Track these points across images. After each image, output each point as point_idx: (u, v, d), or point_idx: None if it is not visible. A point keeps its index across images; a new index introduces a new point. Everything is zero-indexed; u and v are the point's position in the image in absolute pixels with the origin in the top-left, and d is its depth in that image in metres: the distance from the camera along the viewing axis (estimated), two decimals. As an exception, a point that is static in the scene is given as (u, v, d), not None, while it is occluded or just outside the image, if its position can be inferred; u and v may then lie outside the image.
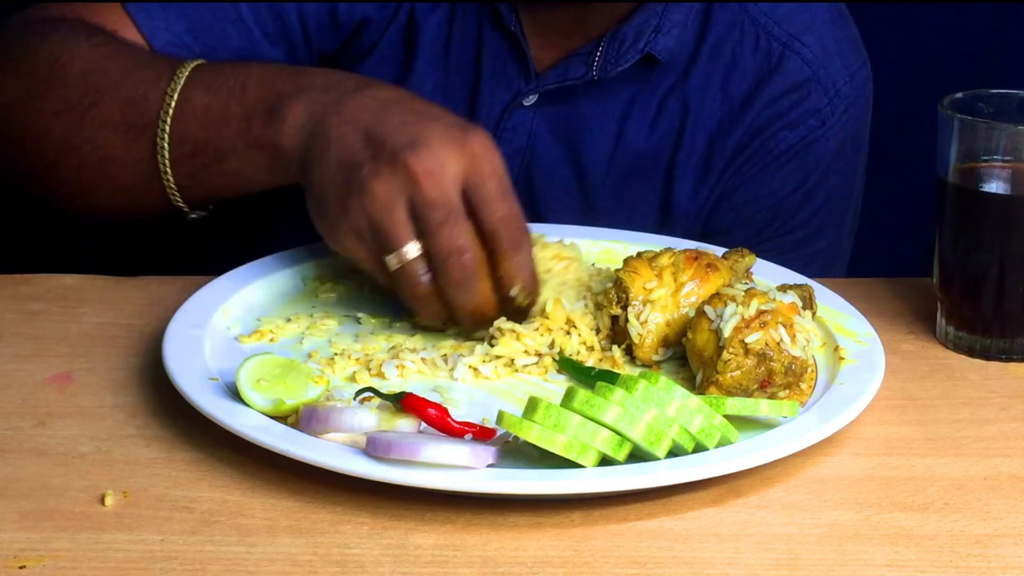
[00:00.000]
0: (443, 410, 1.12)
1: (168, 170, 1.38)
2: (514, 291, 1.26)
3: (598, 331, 1.28)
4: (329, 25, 1.57)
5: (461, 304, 1.25)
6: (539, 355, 1.26)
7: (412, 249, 1.24)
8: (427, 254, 1.24)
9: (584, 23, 1.54)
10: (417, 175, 1.23)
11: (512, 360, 1.25)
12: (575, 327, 1.27)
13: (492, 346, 1.26)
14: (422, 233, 1.24)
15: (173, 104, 1.36)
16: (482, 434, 1.11)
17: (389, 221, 1.24)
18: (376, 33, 1.58)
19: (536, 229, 1.48)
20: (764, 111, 1.59)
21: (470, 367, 1.24)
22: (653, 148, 1.58)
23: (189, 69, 1.38)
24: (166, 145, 1.37)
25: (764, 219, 1.60)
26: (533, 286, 1.27)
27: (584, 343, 1.27)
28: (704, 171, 1.59)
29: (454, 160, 1.24)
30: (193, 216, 1.42)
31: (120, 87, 1.39)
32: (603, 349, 1.27)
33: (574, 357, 1.26)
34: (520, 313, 1.28)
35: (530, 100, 1.57)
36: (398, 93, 1.31)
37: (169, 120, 1.36)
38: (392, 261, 1.25)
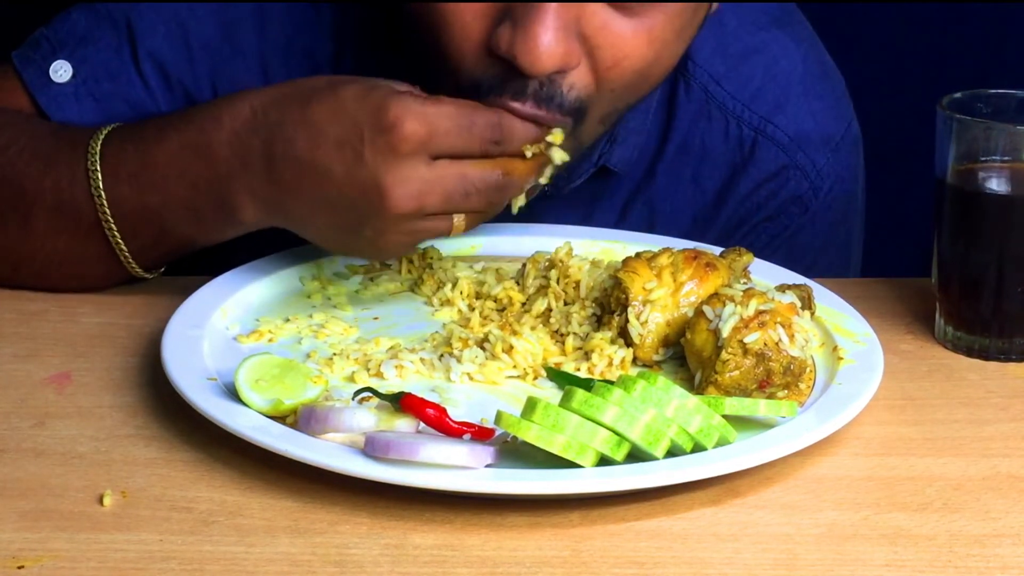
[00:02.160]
0: (441, 410, 1.12)
1: (131, 261, 1.35)
2: (551, 137, 1.28)
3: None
4: None
5: (521, 190, 1.29)
6: (525, 372, 1.25)
7: (458, 218, 1.26)
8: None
9: None
10: (407, 212, 1.23)
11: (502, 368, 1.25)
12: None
13: (484, 349, 1.26)
14: (452, 212, 1.26)
15: (107, 209, 1.33)
16: (480, 434, 1.11)
17: (423, 235, 1.26)
18: None
19: (536, 229, 1.49)
20: (741, 205, 1.52)
21: (465, 373, 1.24)
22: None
23: (97, 156, 1.33)
24: (120, 242, 1.34)
25: None
26: (538, 136, 1.28)
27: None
28: None
29: (411, 164, 1.23)
30: (155, 274, 1.40)
31: (43, 191, 1.34)
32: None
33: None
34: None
35: None
36: (294, 122, 1.26)
37: (113, 223, 1.33)
38: (454, 235, 1.28)
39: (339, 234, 1.28)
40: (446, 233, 1.27)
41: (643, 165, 1.52)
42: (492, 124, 1.25)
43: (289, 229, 1.31)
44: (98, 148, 1.34)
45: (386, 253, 1.33)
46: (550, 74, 1.26)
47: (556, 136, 1.28)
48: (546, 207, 1.51)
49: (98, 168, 1.33)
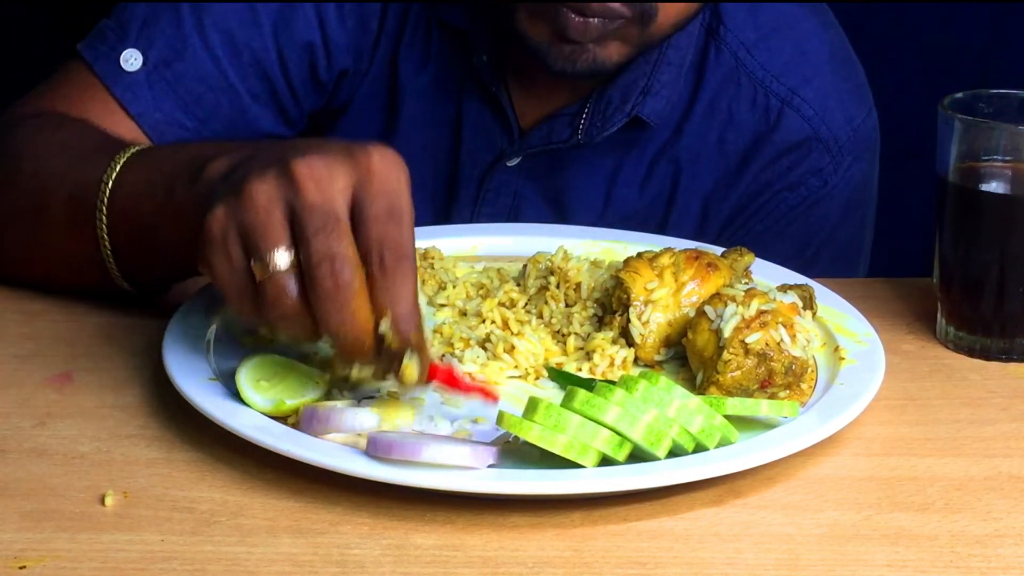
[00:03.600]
0: (450, 369, 1.13)
1: (111, 260, 1.31)
2: (383, 326, 1.08)
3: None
4: (311, 81, 1.55)
5: (333, 325, 1.07)
6: (527, 372, 1.25)
7: (283, 257, 1.08)
8: (300, 264, 1.08)
9: (570, 82, 1.50)
10: (300, 179, 1.08)
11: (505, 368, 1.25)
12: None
13: (485, 349, 1.26)
14: (297, 241, 1.09)
15: (108, 190, 1.28)
16: (488, 395, 1.13)
17: (261, 222, 1.08)
18: (353, 86, 1.55)
19: (537, 229, 1.49)
20: (763, 172, 1.55)
21: (466, 373, 1.24)
22: (644, 209, 1.54)
23: (129, 154, 1.29)
24: (105, 236, 1.29)
25: None
26: (408, 327, 1.08)
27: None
28: (699, 232, 1.55)
29: (345, 170, 1.09)
30: (147, 297, 1.36)
31: (63, 184, 1.33)
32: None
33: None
34: (393, 362, 1.09)
35: (513, 161, 1.53)
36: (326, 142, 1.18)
37: (104, 207, 1.28)
38: (258, 268, 1.08)
39: (221, 180, 1.15)
40: (263, 248, 1.08)
41: (672, 123, 1.54)
42: (405, 271, 1.08)
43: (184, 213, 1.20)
44: (127, 153, 1.31)
45: (216, 216, 1.10)
46: None
47: (408, 371, 1.10)
48: (577, 157, 1.53)
49: (125, 157, 1.30)
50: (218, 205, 1.11)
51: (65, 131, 1.41)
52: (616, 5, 1.37)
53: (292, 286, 1.08)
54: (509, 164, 1.53)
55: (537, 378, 1.25)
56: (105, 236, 1.30)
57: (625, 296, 1.27)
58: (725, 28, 1.54)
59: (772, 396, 1.19)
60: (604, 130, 1.51)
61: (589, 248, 1.44)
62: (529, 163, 1.52)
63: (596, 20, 1.37)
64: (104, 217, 1.29)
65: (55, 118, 1.44)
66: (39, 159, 1.37)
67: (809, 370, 1.21)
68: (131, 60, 1.46)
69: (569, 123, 1.51)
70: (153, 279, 1.34)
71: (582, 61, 1.40)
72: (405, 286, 1.08)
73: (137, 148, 1.32)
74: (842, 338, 1.27)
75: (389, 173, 1.10)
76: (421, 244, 1.43)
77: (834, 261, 1.58)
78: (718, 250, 1.34)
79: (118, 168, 1.30)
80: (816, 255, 1.56)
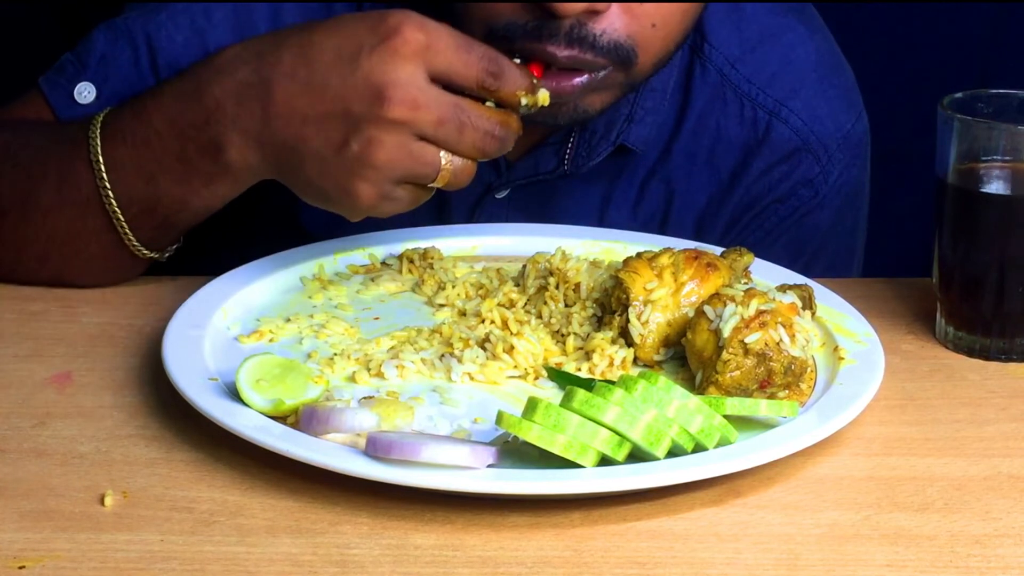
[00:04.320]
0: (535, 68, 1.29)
1: (128, 232, 1.35)
2: (524, 105, 1.26)
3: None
4: None
5: (510, 147, 1.27)
6: (526, 372, 1.25)
7: (445, 158, 1.24)
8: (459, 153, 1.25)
9: None
10: (405, 118, 1.22)
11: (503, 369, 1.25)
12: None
13: (484, 349, 1.26)
14: (442, 146, 1.24)
15: (104, 171, 1.32)
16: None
17: (411, 165, 1.23)
18: None
19: (537, 229, 1.49)
20: (753, 185, 1.54)
21: (466, 373, 1.24)
22: (638, 230, 1.52)
23: (98, 127, 1.34)
24: (118, 211, 1.33)
25: None
26: (533, 86, 1.26)
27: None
28: None
29: (411, 67, 1.22)
30: (168, 254, 1.40)
31: (48, 169, 1.35)
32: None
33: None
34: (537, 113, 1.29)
35: (502, 194, 1.52)
36: (291, 45, 1.26)
37: (108, 187, 1.33)
38: (438, 184, 1.25)
39: (324, 163, 1.24)
40: (432, 172, 1.24)
41: (660, 145, 1.53)
42: (490, 55, 1.24)
43: (274, 170, 1.28)
44: (100, 117, 1.34)
45: (364, 192, 1.25)
46: (580, 16, 1.29)
47: (543, 97, 1.27)
48: (566, 185, 1.52)
49: (98, 134, 1.33)
50: (361, 186, 1.23)
51: (18, 123, 1.43)
52: (582, 55, 1.32)
53: (470, 169, 1.26)
54: (498, 196, 1.52)
55: (536, 378, 1.25)
56: (118, 212, 1.33)
57: (624, 296, 1.27)
58: (709, 45, 1.52)
59: (771, 396, 1.19)
60: (590, 159, 1.50)
61: (589, 248, 1.44)
62: (518, 194, 1.52)
63: (577, 80, 1.33)
64: (112, 197, 1.33)
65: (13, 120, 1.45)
66: (6, 149, 1.38)
67: (808, 370, 1.21)
68: (85, 93, 1.46)
69: (555, 153, 1.50)
70: (178, 235, 1.39)
71: (563, 115, 1.36)
72: (511, 71, 1.25)
73: (101, 117, 1.35)
74: (841, 338, 1.27)
75: (423, 30, 1.22)
76: (421, 244, 1.44)
77: (828, 266, 1.58)
78: (717, 250, 1.34)
79: (99, 145, 1.33)
80: (809, 262, 1.55)
